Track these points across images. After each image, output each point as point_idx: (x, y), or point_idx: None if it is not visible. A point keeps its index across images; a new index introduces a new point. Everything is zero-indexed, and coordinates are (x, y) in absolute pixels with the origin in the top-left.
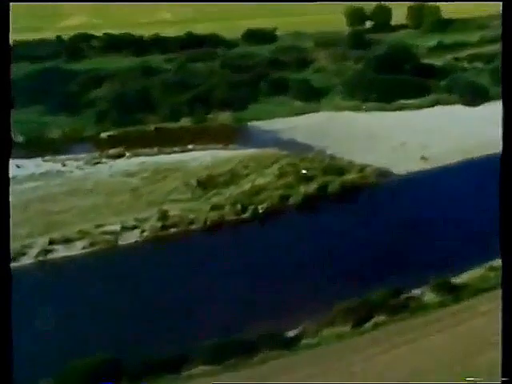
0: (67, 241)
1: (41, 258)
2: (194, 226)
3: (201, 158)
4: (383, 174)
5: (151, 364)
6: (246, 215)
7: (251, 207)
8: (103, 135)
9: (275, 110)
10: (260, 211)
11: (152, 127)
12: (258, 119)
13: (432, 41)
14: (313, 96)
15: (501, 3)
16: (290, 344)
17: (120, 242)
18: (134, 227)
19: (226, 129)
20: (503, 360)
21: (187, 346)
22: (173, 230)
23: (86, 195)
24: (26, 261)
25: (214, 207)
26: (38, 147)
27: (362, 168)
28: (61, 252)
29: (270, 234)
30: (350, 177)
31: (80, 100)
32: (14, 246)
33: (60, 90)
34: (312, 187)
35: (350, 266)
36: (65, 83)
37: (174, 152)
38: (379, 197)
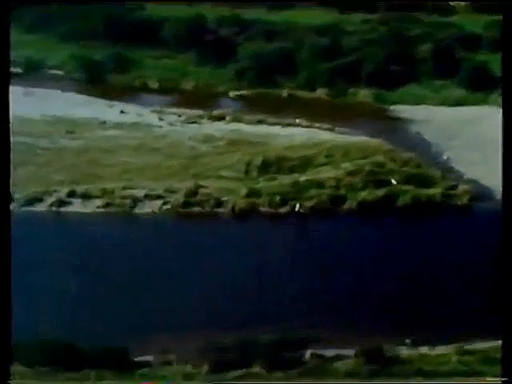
0: (86, 196)
1: (53, 209)
2: (221, 210)
3: (296, 135)
4: (482, 197)
5: None
6: (282, 210)
7: (293, 202)
8: (231, 94)
9: (429, 95)
10: (296, 209)
11: (285, 93)
12: (402, 103)
13: None
14: (486, 86)
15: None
16: (128, 369)
17: (136, 210)
18: (159, 197)
19: (359, 108)
20: (503, 360)
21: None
22: (197, 208)
23: (147, 153)
24: (38, 207)
25: (252, 193)
26: (169, 96)
27: (456, 184)
28: (75, 206)
29: (295, 237)
30: (433, 192)
31: (233, 54)
32: (38, 189)
33: (222, 41)
34: (376, 194)
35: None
36: (236, 35)
37: (278, 124)
38: (450, 225)
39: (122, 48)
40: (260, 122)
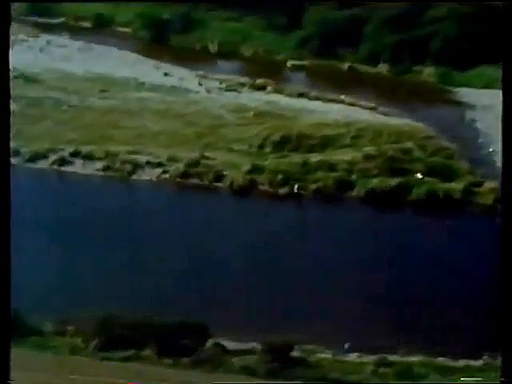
0: (89, 157)
1: (54, 167)
2: (219, 184)
3: (332, 112)
4: None
5: None
6: (282, 190)
7: (293, 183)
8: (289, 63)
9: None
10: (295, 190)
11: (346, 66)
12: (469, 85)
13: None
14: None
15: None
16: (21, 335)
17: (134, 176)
18: (160, 165)
19: (419, 87)
20: (503, 360)
21: None
22: (195, 180)
23: (170, 119)
24: (41, 164)
25: (255, 170)
26: (225, 60)
27: (483, 181)
28: (76, 167)
29: (286, 220)
30: (454, 187)
31: (300, 20)
32: (45, 146)
33: (291, 5)
34: (389, 183)
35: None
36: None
37: (319, 99)
38: (465, 226)
39: (191, 8)
40: (301, 94)
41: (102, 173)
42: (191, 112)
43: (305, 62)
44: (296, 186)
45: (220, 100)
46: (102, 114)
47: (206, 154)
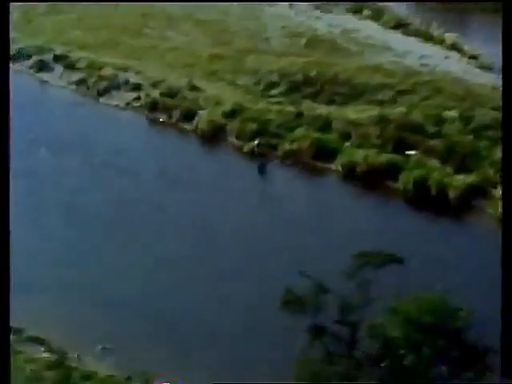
0: (70, 66)
1: (31, 71)
2: (185, 126)
3: (410, 54)
4: None
5: None
6: (248, 145)
7: (258, 138)
8: None
9: None
10: (255, 148)
11: None
12: None
13: None
14: None
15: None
16: None
17: (101, 99)
18: (136, 88)
19: None
20: (502, 360)
21: None
22: (162, 116)
23: (203, 34)
24: (19, 65)
25: (234, 113)
26: None
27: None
28: (54, 74)
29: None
30: (458, 180)
31: None
32: (36, 44)
33: None
34: (378, 161)
35: None
36: None
37: (418, 36)
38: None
39: None
40: (399, 26)
41: (74, 87)
42: (238, 30)
43: None
44: (256, 143)
45: (288, 20)
46: (138, 16)
47: (200, 83)
